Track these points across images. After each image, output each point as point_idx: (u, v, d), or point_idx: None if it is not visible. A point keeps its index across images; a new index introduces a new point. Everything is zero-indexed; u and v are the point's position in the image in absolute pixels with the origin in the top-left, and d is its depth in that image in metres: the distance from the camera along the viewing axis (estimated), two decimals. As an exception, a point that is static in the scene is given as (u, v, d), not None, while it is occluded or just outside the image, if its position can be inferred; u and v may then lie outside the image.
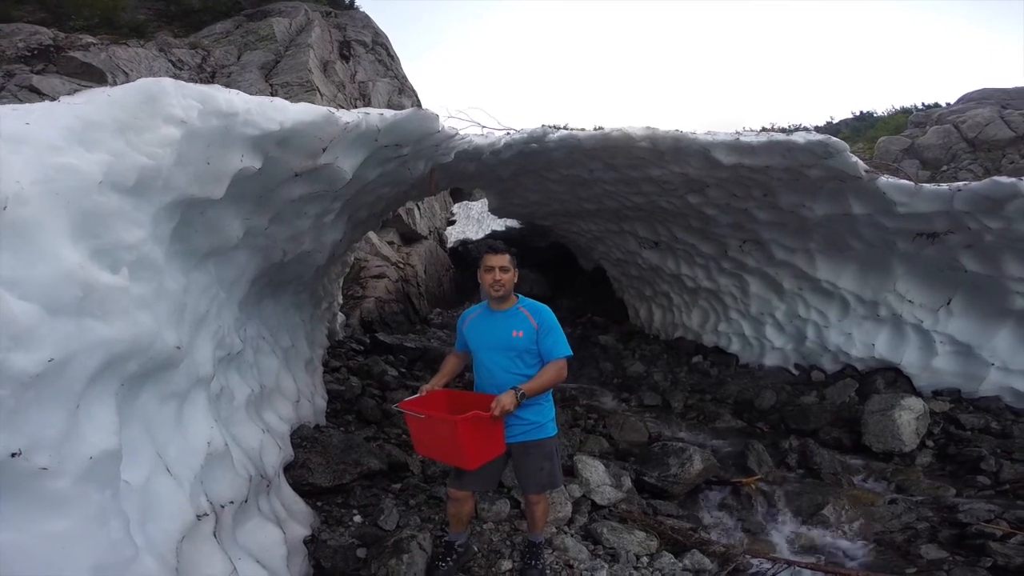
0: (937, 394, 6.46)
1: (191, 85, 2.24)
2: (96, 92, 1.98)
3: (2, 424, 1.41)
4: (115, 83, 8.43)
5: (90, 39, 9.38)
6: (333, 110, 3.03)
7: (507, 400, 2.71)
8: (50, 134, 1.70)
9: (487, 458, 2.83)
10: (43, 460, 1.50)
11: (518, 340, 2.97)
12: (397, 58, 18.03)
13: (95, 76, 8.37)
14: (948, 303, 6.45)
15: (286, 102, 2.79)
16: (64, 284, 1.60)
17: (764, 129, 7.99)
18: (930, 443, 5.82)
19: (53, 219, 1.61)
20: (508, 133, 6.72)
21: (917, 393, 6.42)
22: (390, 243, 13.98)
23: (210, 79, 10.74)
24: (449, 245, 18.72)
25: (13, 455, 1.42)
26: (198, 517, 2.25)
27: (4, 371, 1.40)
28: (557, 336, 2.99)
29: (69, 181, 1.68)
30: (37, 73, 7.79)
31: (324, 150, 3.10)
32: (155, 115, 2.06)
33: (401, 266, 13.31)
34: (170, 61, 10.37)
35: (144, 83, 2.06)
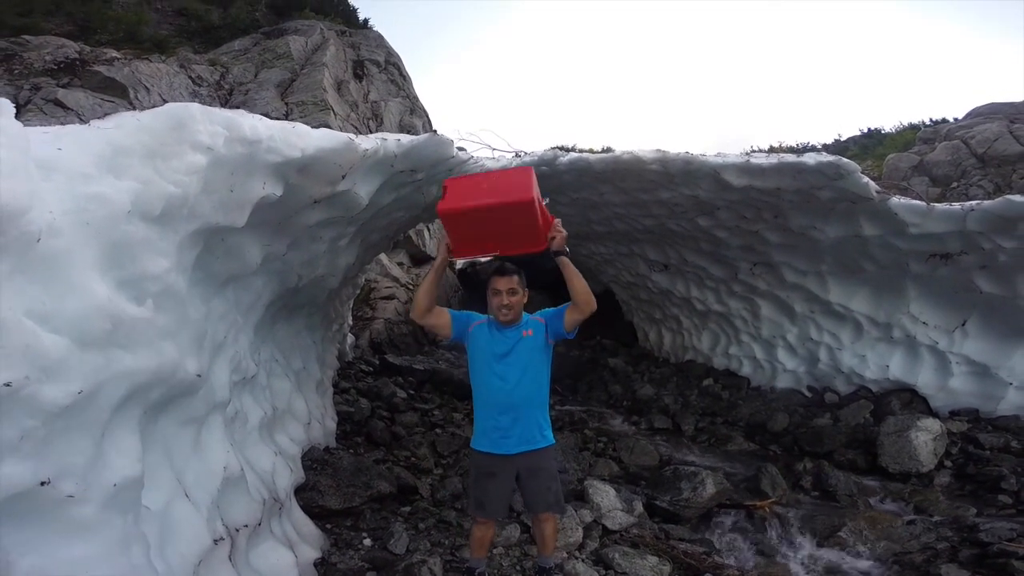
0: (954, 414, 6.36)
1: (217, 111, 2.26)
2: (125, 116, 1.98)
3: (32, 453, 1.43)
4: (136, 98, 8.48)
5: (114, 53, 9.49)
6: (352, 136, 3.07)
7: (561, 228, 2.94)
8: (81, 161, 1.71)
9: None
10: (70, 488, 1.51)
11: (528, 338, 2.97)
12: (409, 78, 18.26)
13: (117, 90, 8.43)
14: (963, 324, 6.37)
15: (308, 128, 2.83)
16: (94, 317, 1.62)
17: (772, 148, 8.02)
18: (948, 463, 5.71)
19: (83, 250, 1.63)
20: (518, 155, 6.75)
21: (934, 414, 6.31)
22: (400, 264, 14.03)
23: (228, 96, 10.90)
24: (458, 266, 18.74)
25: (42, 484, 1.44)
26: (215, 541, 2.25)
27: (36, 403, 1.42)
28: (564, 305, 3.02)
29: (99, 211, 1.69)
30: (63, 87, 7.87)
31: (343, 177, 3.13)
32: (182, 141, 2.07)
33: (411, 287, 13.35)
34: (190, 77, 10.51)
35: (172, 108, 2.07)
